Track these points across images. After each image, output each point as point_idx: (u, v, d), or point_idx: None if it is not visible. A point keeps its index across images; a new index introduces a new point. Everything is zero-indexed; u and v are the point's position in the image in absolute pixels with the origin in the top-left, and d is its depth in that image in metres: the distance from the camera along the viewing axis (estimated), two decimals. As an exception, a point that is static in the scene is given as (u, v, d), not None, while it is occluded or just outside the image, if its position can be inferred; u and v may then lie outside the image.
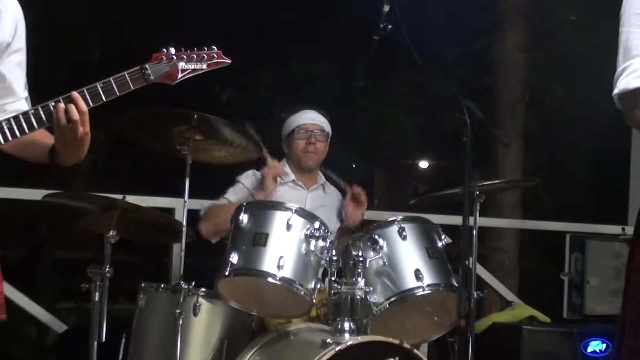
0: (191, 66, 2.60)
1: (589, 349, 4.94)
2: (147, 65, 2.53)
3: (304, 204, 4.55)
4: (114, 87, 2.47)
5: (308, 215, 3.85)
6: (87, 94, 2.44)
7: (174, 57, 2.58)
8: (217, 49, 2.66)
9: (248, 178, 4.62)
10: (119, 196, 4.01)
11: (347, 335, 3.62)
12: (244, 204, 3.95)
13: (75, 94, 2.42)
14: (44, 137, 2.61)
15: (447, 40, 8.76)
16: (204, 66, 2.63)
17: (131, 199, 4.09)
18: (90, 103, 2.45)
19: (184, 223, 4.05)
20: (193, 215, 4.38)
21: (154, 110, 3.95)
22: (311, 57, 9.64)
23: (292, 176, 4.66)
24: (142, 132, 4.15)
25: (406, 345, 3.58)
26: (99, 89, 2.45)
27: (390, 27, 3.64)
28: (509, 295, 6.23)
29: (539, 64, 8.96)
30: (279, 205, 3.87)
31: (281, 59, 9.65)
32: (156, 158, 4.29)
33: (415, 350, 3.61)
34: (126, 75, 2.49)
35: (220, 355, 3.87)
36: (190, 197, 4.12)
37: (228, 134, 4.13)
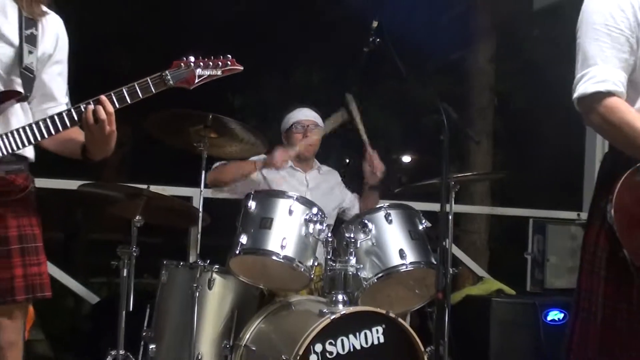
0: (207, 72, 2.56)
1: (549, 318, 4.93)
2: (167, 72, 2.50)
3: (305, 183, 4.56)
4: (138, 90, 2.44)
5: (307, 202, 3.86)
6: (113, 97, 2.41)
7: (192, 64, 2.54)
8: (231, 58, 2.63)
9: (256, 156, 4.62)
10: (144, 186, 4.01)
11: (340, 306, 3.62)
12: (252, 192, 3.94)
13: (102, 97, 2.40)
14: (81, 136, 2.58)
15: (427, 53, 8.73)
16: (219, 72, 2.58)
17: (155, 188, 4.09)
18: (117, 105, 2.42)
19: (200, 209, 4.04)
20: (208, 202, 4.37)
21: (175, 112, 3.93)
22: (310, 66, 9.62)
23: (291, 162, 4.64)
24: (165, 130, 4.13)
25: (391, 315, 3.58)
26: (124, 92, 2.43)
27: (378, 40, 3.61)
28: (480, 272, 6.23)
29: (505, 74, 8.95)
30: (282, 194, 3.88)
31: (284, 68, 9.63)
32: (176, 153, 4.26)
33: (399, 319, 3.60)
34: (148, 80, 2.46)
35: (231, 323, 3.87)
36: (205, 187, 4.11)
37: (239, 132, 4.11)
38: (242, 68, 2.63)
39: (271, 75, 9.56)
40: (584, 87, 2.26)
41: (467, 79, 8.19)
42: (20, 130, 2.40)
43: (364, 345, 3.52)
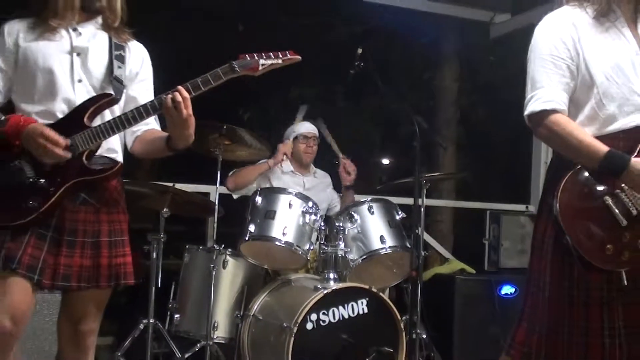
0: (269, 61, 2.41)
1: (503, 292, 4.93)
2: (234, 62, 2.36)
3: (302, 185, 4.56)
4: (210, 79, 2.33)
5: (304, 197, 3.86)
6: (189, 85, 2.31)
7: (255, 55, 2.40)
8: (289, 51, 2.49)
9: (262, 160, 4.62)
10: (170, 184, 3.99)
11: (332, 283, 3.63)
12: (259, 189, 3.95)
13: (179, 86, 2.31)
14: (164, 134, 2.50)
15: (402, 73, 8.74)
16: (280, 61, 2.43)
17: (179, 186, 4.08)
18: (192, 91, 2.32)
19: (216, 203, 4.04)
20: (223, 197, 4.36)
21: (195, 123, 3.91)
22: (305, 84, 9.58)
23: (292, 167, 4.66)
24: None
25: (374, 290, 3.58)
26: (198, 81, 2.32)
27: (362, 63, 3.62)
28: (446, 254, 6.21)
29: (467, 91, 8.93)
30: (283, 190, 3.90)
31: (283, 86, 9.59)
32: (197, 156, 4.25)
33: (380, 293, 3.61)
34: (219, 70, 2.34)
35: (241, 296, 3.88)
36: (220, 184, 4.10)
37: (248, 139, 4.12)
38: (300, 58, 2.48)
39: (272, 94, 9.52)
40: (533, 106, 2.27)
41: (436, 95, 8.18)
42: (111, 121, 2.34)
43: (351, 314, 3.53)
